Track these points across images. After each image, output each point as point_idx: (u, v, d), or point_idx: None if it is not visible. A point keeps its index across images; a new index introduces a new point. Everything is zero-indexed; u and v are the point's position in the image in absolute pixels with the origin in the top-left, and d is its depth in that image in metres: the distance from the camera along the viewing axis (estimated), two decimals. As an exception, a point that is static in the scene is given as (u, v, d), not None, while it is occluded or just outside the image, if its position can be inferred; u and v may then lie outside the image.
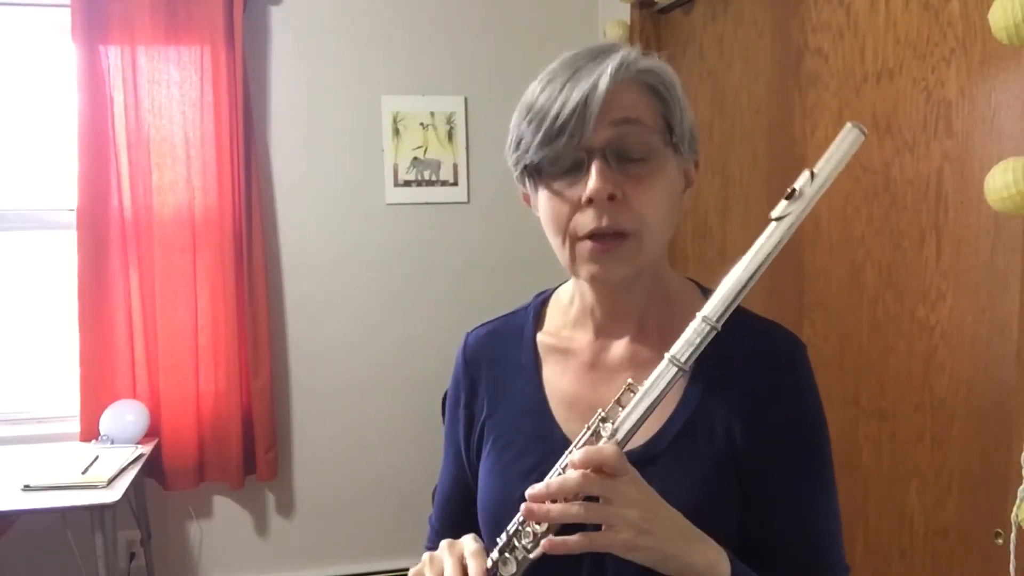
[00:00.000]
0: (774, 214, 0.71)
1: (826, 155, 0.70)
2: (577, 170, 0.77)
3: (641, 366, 0.84)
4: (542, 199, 0.80)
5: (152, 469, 2.67)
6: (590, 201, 0.75)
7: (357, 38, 2.83)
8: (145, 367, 2.67)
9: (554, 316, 0.92)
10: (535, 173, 0.80)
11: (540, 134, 0.76)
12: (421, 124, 2.89)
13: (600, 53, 0.78)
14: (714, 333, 0.70)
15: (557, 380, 0.88)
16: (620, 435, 0.71)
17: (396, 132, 2.88)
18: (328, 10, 2.80)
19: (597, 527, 0.69)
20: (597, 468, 0.69)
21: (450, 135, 2.91)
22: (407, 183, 2.90)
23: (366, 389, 2.92)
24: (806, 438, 0.82)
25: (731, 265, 0.72)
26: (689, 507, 0.74)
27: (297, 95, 2.81)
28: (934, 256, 1.47)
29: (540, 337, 0.91)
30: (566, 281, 0.93)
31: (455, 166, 2.93)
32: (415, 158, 2.90)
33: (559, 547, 0.69)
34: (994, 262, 1.36)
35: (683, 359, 0.70)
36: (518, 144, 0.80)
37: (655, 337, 0.85)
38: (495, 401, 0.91)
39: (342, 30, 2.82)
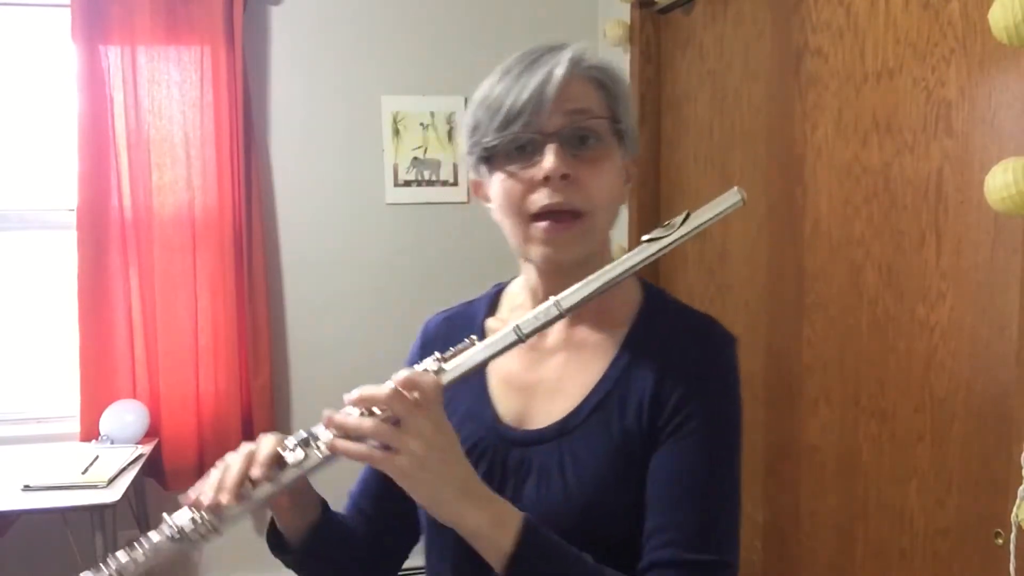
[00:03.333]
0: (645, 236, 0.79)
1: (706, 206, 0.78)
2: (532, 153, 0.82)
3: (576, 347, 0.89)
4: (496, 182, 0.85)
5: (152, 469, 2.66)
6: (545, 180, 0.80)
7: (357, 38, 2.83)
8: (145, 367, 2.67)
9: (505, 304, 0.99)
10: (490, 158, 0.84)
11: (497, 119, 0.82)
12: (421, 124, 2.89)
13: (553, 48, 0.84)
14: (558, 317, 0.77)
15: (500, 362, 0.90)
16: (445, 378, 0.77)
17: (396, 132, 2.88)
18: (328, 10, 2.81)
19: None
20: (411, 392, 0.73)
21: (450, 135, 2.91)
22: (407, 183, 2.90)
23: (366, 389, 2.92)
24: (713, 420, 0.83)
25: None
26: (594, 476, 0.80)
27: (297, 95, 2.81)
28: (934, 256, 1.47)
29: (489, 322, 0.97)
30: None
31: (455, 166, 2.93)
32: (415, 158, 2.90)
33: (342, 450, 0.74)
34: (994, 262, 1.35)
35: (526, 331, 0.77)
36: (474, 130, 0.86)
37: (591, 320, 0.90)
38: None
39: (342, 30, 2.82)
